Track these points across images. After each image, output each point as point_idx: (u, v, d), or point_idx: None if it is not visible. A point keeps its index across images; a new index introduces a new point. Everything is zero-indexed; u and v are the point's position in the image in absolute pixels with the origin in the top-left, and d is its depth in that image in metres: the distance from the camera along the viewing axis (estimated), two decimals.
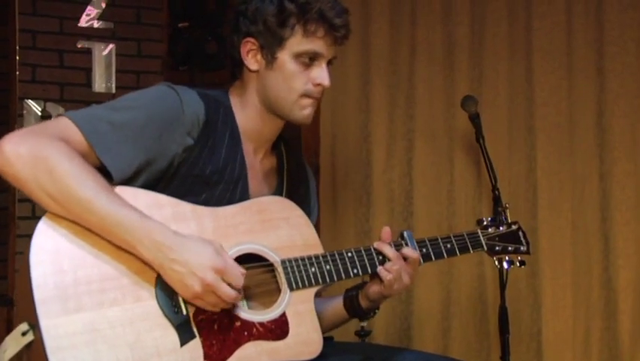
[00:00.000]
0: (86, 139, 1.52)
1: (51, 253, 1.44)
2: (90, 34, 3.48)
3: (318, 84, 1.73)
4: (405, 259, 1.77)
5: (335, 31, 1.72)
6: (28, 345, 1.38)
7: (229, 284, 1.49)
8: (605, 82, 3.07)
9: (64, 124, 1.52)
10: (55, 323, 1.40)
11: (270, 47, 1.70)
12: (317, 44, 1.71)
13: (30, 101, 3.36)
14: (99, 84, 3.46)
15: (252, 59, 1.73)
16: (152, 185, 1.60)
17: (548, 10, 3.15)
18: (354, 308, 1.83)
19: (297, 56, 1.71)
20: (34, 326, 1.38)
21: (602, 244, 3.04)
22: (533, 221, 3.12)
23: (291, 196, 1.81)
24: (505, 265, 2.01)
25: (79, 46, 3.46)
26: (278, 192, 1.81)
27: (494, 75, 3.23)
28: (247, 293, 1.62)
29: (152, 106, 1.61)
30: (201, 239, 1.52)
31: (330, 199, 3.47)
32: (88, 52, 3.47)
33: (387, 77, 3.40)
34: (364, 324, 2.59)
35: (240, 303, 1.59)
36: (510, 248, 1.99)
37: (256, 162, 1.79)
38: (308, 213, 1.87)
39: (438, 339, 3.22)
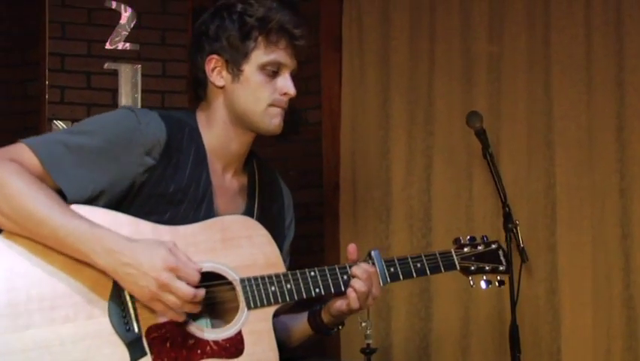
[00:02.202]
0: (41, 163, 1.57)
1: (5, 271, 1.49)
2: (116, 55, 3.57)
3: (285, 93, 1.78)
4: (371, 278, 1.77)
5: (296, 40, 1.78)
6: None
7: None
8: (625, 96, 3.00)
9: (20, 148, 1.58)
10: (2, 340, 1.43)
11: (236, 61, 1.76)
12: (280, 55, 1.77)
13: (58, 122, 3.46)
14: (125, 104, 3.55)
15: (218, 76, 1.78)
16: (116, 205, 1.64)
17: (567, 24, 3.10)
18: (317, 324, 1.84)
19: (262, 68, 1.76)
20: None
21: (622, 262, 2.96)
22: (552, 238, 3.07)
23: (262, 214, 1.83)
24: (482, 284, 1.98)
25: (105, 67, 3.56)
26: (248, 210, 1.83)
27: (513, 90, 3.20)
28: (211, 311, 1.64)
29: (109, 129, 1.65)
30: (154, 240, 1.55)
31: (350, 216, 3.48)
32: (114, 73, 3.56)
33: (406, 93, 3.42)
34: (370, 342, 2.58)
35: (203, 322, 1.61)
36: (487, 268, 1.96)
37: (225, 181, 1.82)
38: (282, 232, 1.89)
39: (457, 357, 3.19)
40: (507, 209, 2.65)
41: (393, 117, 3.42)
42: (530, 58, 3.18)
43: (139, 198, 1.66)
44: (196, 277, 1.53)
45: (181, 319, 1.55)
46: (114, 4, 3.59)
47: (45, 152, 1.58)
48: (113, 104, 3.54)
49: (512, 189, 3.13)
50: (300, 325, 1.87)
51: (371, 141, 3.47)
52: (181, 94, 3.61)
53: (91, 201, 1.61)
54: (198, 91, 1.84)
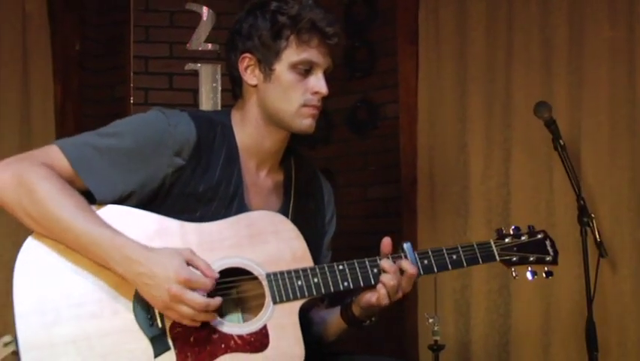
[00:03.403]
0: (70, 164, 1.62)
1: (34, 269, 1.55)
2: (197, 56, 3.67)
3: (316, 92, 1.76)
4: (402, 272, 1.74)
5: (328, 39, 1.76)
6: (13, 354, 1.51)
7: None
8: None
9: (51, 150, 1.64)
10: (31, 335, 1.50)
11: (267, 60, 1.75)
12: (312, 53, 1.75)
13: None
14: (205, 104, 3.64)
15: (251, 74, 1.79)
16: (146, 204, 1.68)
17: None
18: (349, 316, 1.82)
19: (294, 67, 1.75)
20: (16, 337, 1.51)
21: None
22: (638, 231, 2.94)
23: (298, 211, 1.82)
24: (528, 275, 1.89)
25: (186, 68, 3.66)
26: (284, 207, 1.83)
27: (595, 79, 3.07)
28: (243, 307, 1.66)
29: (139, 131, 1.69)
30: (170, 251, 1.57)
31: (429, 211, 3.45)
32: (195, 74, 3.66)
33: (483, 85, 3.35)
34: (437, 338, 2.55)
35: (234, 318, 1.63)
36: (531, 258, 1.87)
37: (259, 178, 1.82)
38: (322, 228, 1.89)
39: (538, 355, 3.10)
40: (582, 202, 2.56)
41: (470, 110, 3.36)
42: (613, 45, 3.04)
43: (170, 198, 1.69)
44: (208, 284, 1.56)
45: (197, 325, 1.57)
46: (195, 6, 3.69)
47: (75, 154, 1.63)
48: (195, 104, 3.64)
49: (594, 181, 3.03)
50: (334, 319, 1.85)
51: (448, 135, 3.42)
52: None
53: (121, 201, 1.65)
54: (235, 89, 1.86)
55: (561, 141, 2.55)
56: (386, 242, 1.76)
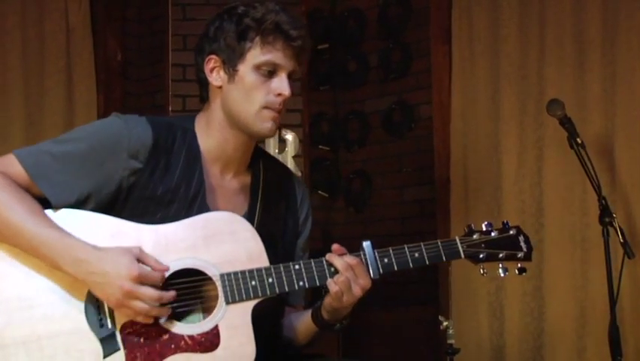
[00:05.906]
0: (26, 171, 1.67)
1: None
2: None
3: (279, 94, 1.76)
4: (352, 269, 1.71)
5: (292, 41, 1.75)
6: None
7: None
8: None
9: (8, 159, 1.68)
10: None
11: (231, 61, 1.76)
12: (276, 56, 1.75)
13: None
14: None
15: (216, 76, 1.79)
16: (107, 208, 1.70)
17: None
18: (319, 320, 1.79)
19: (257, 68, 1.75)
20: None
21: None
22: None
23: (266, 212, 1.82)
24: (500, 272, 1.81)
25: None
26: (251, 208, 1.82)
27: (629, 72, 2.99)
28: (204, 307, 1.67)
29: (94, 135, 1.72)
30: (119, 249, 1.59)
31: (463, 211, 3.40)
32: None
33: (516, 82, 3.30)
34: (452, 341, 2.50)
35: (196, 318, 1.64)
36: (501, 255, 1.79)
37: (224, 181, 1.82)
38: (296, 229, 1.88)
39: (572, 360, 3.00)
40: (603, 201, 2.48)
41: (503, 109, 3.31)
42: None
43: (130, 202, 1.72)
44: (158, 278, 1.59)
45: (150, 321, 1.59)
46: None
47: (31, 162, 1.67)
48: None
49: (629, 178, 2.95)
50: (304, 322, 1.84)
51: (481, 134, 3.37)
52: (296, 96, 3.67)
53: (77, 206, 1.68)
54: (202, 92, 1.87)
55: (578, 139, 2.49)
56: (335, 247, 1.74)
